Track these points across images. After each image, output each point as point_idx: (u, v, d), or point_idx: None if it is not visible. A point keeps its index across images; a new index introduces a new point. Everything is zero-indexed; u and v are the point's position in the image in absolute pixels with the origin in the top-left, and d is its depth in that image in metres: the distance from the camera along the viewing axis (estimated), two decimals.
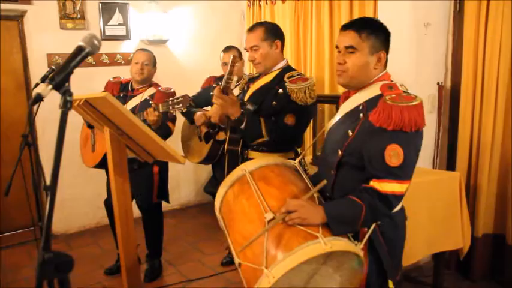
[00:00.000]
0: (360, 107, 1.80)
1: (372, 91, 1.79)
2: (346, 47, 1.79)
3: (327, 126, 2.02)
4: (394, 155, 1.64)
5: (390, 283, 1.85)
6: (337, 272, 1.68)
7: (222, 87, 2.48)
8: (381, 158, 1.65)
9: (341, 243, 1.60)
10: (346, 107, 1.89)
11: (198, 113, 3.57)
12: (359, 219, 1.67)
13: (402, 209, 1.90)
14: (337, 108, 2.19)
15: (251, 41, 2.62)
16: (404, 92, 1.76)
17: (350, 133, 1.78)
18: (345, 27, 1.83)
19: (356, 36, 1.78)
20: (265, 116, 2.52)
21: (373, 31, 1.80)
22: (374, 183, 1.68)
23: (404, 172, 1.68)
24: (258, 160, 1.97)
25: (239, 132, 2.58)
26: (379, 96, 1.73)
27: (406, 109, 1.64)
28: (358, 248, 1.64)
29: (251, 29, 2.68)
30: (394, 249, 1.84)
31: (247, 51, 2.66)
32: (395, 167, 1.65)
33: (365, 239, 1.71)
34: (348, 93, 1.94)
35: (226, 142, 2.75)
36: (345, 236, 1.68)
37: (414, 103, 1.66)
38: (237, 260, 1.73)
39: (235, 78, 2.72)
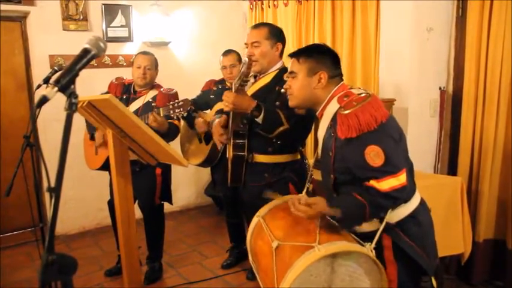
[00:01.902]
0: (329, 126, 1.88)
1: (333, 107, 1.86)
2: (290, 72, 1.98)
3: (318, 150, 2.09)
4: (374, 155, 1.69)
5: (433, 281, 1.88)
6: (355, 278, 1.71)
7: (236, 88, 2.45)
8: (365, 163, 1.70)
9: (337, 246, 1.66)
10: (321, 131, 1.97)
11: (200, 120, 3.56)
12: (364, 215, 1.72)
13: (422, 203, 1.93)
14: None
15: (254, 36, 2.63)
16: (358, 94, 1.80)
17: (330, 154, 1.85)
18: (289, 56, 2.01)
19: (296, 62, 1.96)
20: None
21: (310, 55, 1.93)
22: (373, 182, 1.71)
23: (392, 165, 1.71)
24: (270, 204, 2.13)
25: (257, 126, 2.49)
26: (338, 109, 1.80)
27: (360, 110, 1.70)
28: (365, 248, 1.67)
29: (256, 26, 2.71)
30: (423, 244, 1.85)
31: (247, 47, 2.65)
32: (381, 165, 1.69)
33: (376, 239, 1.75)
34: (319, 121, 2.02)
35: (231, 148, 2.69)
36: (351, 239, 1.73)
37: (366, 101, 1.72)
38: None
39: (251, 80, 2.70)
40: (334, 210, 1.74)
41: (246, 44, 2.68)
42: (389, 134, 1.73)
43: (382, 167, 1.68)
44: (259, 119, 2.42)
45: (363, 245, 1.69)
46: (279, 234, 1.86)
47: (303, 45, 4.36)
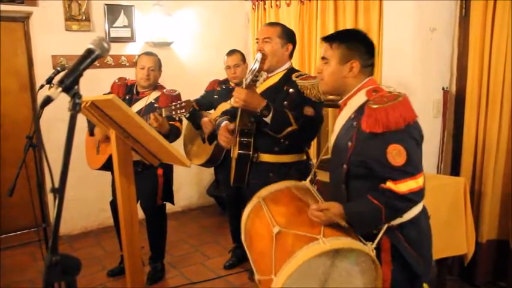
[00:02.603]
0: (352, 117, 1.85)
1: (359, 99, 1.84)
2: (322, 58, 1.92)
3: (330, 142, 2.06)
4: (396, 154, 1.67)
5: (425, 286, 1.88)
6: (352, 275, 1.71)
7: (247, 84, 2.44)
8: (385, 161, 1.68)
9: (342, 242, 1.65)
10: (341, 120, 1.94)
11: (206, 119, 3.56)
12: (380, 218, 1.72)
13: (423, 210, 1.92)
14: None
15: (266, 32, 2.63)
16: (389, 92, 1.78)
17: (349, 144, 1.81)
18: (322, 39, 1.96)
19: (328, 48, 1.90)
20: None
21: (344, 41, 1.88)
22: (390, 185, 1.70)
23: (413, 167, 1.70)
24: (270, 187, 2.09)
25: (265, 126, 2.46)
26: (366, 102, 1.77)
27: (391, 108, 1.67)
28: (367, 247, 1.67)
29: (270, 23, 2.74)
30: (421, 250, 1.85)
31: (257, 42, 2.65)
32: (402, 165, 1.67)
33: (377, 239, 1.74)
34: (341, 109, 1.98)
35: (237, 146, 2.66)
36: (355, 237, 1.73)
37: (398, 100, 1.69)
38: (256, 277, 1.86)
39: (264, 75, 2.69)
40: (346, 216, 1.75)
41: (257, 38, 2.67)
42: (413, 136, 1.72)
43: (402, 166, 1.67)
44: (267, 119, 2.40)
45: (365, 244, 1.69)
46: (280, 220, 1.83)
47: (305, 47, 4.40)
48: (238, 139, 2.65)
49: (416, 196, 1.72)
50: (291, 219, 1.83)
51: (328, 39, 1.91)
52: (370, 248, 1.67)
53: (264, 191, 2.05)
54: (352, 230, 1.78)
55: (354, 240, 1.68)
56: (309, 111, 2.47)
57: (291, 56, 2.71)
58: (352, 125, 1.82)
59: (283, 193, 2.02)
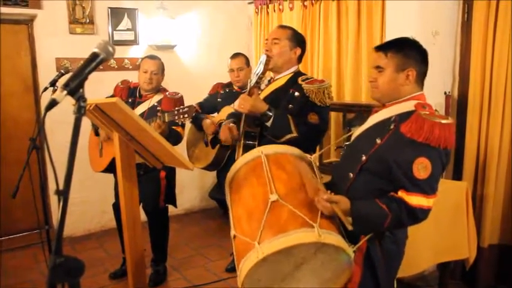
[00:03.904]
0: (392, 119, 1.85)
1: (406, 106, 1.85)
2: (376, 67, 1.90)
3: (355, 132, 2.06)
4: (422, 168, 1.69)
5: None
6: (325, 267, 1.72)
7: (251, 86, 2.47)
8: (409, 170, 1.70)
9: (334, 238, 1.66)
10: (376, 118, 1.95)
11: (208, 121, 3.57)
12: (382, 225, 1.73)
13: (405, 229, 1.96)
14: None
15: (276, 33, 2.65)
16: (436, 111, 1.82)
17: (378, 141, 1.82)
18: (375, 49, 1.95)
19: (383, 56, 1.88)
20: None
21: (400, 50, 1.87)
22: (403, 195, 1.72)
23: (430, 186, 1.72)
24: (276, 146, 2.05)
25: (266, 130, 2.50)
26: (412, 112, 1.78)
27: (438, 125, 1.69)
28: (350, 249, 1.69)
29: (281, 26, 2.76)
30: (390, 262, 1.89)
31: (266, 42, 2.67)
32: (423, 180, 1.70)
33: (360, 243, 1.77)
34: (380, 109, 1.99)
35: (241, 149, 2.66)
36: (343, 234, 1.74)
37: (446, 122, 1.71)
38: (232, 232, 1.81)
39: (269, 77, 2.71)
40: (353, 214, 1.75)
41: (266, 39, 2.70)
42: (443, 161, 1.75)
43: (422, 181, 1.69)
44: (268, 123, 2.44)
45: (349, 245, 1.70)
46: (280, 188, 1.78)
47: (308, 51, 4.40)
48: (242, 142, 2.66)
49: (422, 214, 1.74)
50: (290, 192, 1.79)
51: (383, 48, 1.91)
52: (351, 249, 1.69)
53: (268, 148, 2.00)
54: (341, 226, 1.78)
55: (343, 240, 1.69)
56: (313, 118, 2.48)
57: (299, 60, 2.72)
58: (389, 126, 1.83)
59: (287, 160, 1.96)
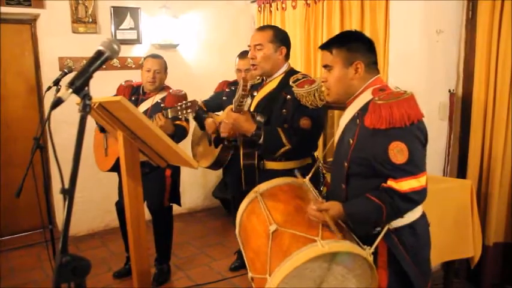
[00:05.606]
0: (356, 115, 1.83)
1: (365, 97, 1.82)
2: (324, 66, 1.89)
3: (334, 141, 2.05)
4: (398, 152, 1.65)
5: None
6: (347, 279, 1.68)
7: (234, 108, 2.44)
8: (387, 158, 1.66)
9: (341, 245, 1.62)
10: (345, 119, 1.93)
11: (209, 120, 3.56)
12: (380, 217, 1.69)
13: (423, 216, 1.89)
14: None
15: (257, 39, 2.60)
16: (396, 90, 1.78)
17: (351, 141, 1.80)
18: (320, 48, 1.94)
19: (328, 55, 1.87)
20: (277, 126, 2.47)
21: (343, 44, 1.85)
22: (392, 183, 1.68)
23: (415, 165, 1.67)
24: (269, 182, 2.05)
25: (258, 148, 2.50)
26: (371, 100, 1.75)
27: (395, 104, 1.65)
28: (365, 252, 1.63)
29: (260, 28, 2.70)
30: (416, 257, 1.81)
31: (250, 49, 2.63)
32: (403, 163, 1.65)
33: (376, 243, 1.71)
34: (345, 109, 1.97)
35: (241, 157, 2.64)
36: (352, 240, 1.70)
37: (403, 97, 1.68)
38: (249, 275, 1.83)
39: (248, 100, 2.68)
40: (347, 216, 1.72)
41: (249, 46, 2.66)
42: (417, 136, 1.70)
43: (403, 165, 1.65)
44: (260, 141, 2.42)
45: (363, 248, 1.65)
46: (278, 217, 1.79)
47: (311, 49, 4.40)
48: (242, 150, 2.63)
49: (418, 195, 1.69)
50: (288, 218, 1.79)
51: (327, 46, 1.89)
52: (367, 252, 1.64)
53: (262, 186, 2.01)
54: (350, 231, 1.75)
55: (353, 244, 1.64)
56: (305, 123, 2.43)
57: (286, 58, 2.67)
58: (355, 123, 1.81)
59: (281, 189, 1.98)
